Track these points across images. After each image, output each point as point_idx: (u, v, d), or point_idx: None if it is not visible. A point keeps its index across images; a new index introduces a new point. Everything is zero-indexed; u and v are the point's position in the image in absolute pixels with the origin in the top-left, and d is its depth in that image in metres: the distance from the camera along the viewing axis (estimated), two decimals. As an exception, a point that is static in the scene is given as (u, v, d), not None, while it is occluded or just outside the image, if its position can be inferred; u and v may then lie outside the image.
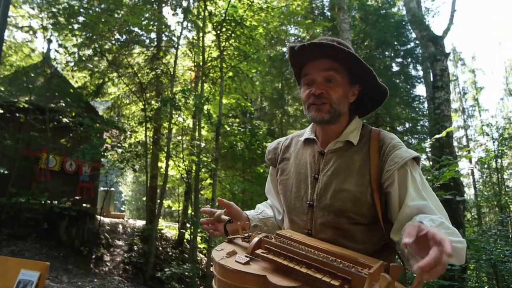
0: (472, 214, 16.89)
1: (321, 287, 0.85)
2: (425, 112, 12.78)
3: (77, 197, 9.62)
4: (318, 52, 1.23)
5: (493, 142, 16.68)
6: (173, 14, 10.35)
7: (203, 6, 10.05)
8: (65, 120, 9.12)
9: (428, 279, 0.77)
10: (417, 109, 13.12)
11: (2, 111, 8.49)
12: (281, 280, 0.87)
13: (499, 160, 16.64)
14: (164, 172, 10.20)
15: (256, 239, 1.01)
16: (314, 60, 1.26)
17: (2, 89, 9.41)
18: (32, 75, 9.72)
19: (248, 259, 0.96)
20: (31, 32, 10.03)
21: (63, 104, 9.53)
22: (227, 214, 1.33)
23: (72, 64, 10.70)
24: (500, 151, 15.48)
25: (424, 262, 0.73)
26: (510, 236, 8.09)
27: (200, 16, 10.55)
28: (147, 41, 11.45)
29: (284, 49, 14.48)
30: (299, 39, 14.43)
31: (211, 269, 1.03)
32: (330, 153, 1.28)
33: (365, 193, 1.17)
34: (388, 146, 1.21)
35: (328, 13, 14.53)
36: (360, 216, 1.17)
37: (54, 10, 9.05)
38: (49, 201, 8.79)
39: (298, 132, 1.49)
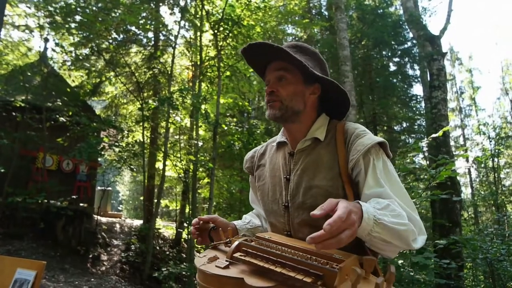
0: (469, 213, 16.97)
1: (295, 285, 0.86)
2: (422, 112, 12.82)
3: (74, 197, 9.59)
4: (277, 52, 1.26)
5: (490, 141, 16.77)
6: (171, 13, 10.33)
7: (200, 5, 10.04)
8: (62, 119, 9.09)
9: (322, 248, 0.85)
10: (414, 109, 13.17)
11: (-2, 110, 8.47)
12: (258, 281, 0.89)
13: (495, 159, 16.72)
14: (161, 171, 10.19)
15: (235, 243, 1.03)
16: (271, 63, 1.32)
17: (-1, 88, 9.39)
18: (29, 74, 9.67)
19: (227, 263, 0.98)
20: (27, 31, 9.99)
21: (60, 103, 9.49)
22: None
23: (69, 63, 10.67)
24: (496, 150, 15.57)
25: (315, 234, 0.83)
26: (507, 235, 8.12)
27: (198, 15, 10.54)
28: (145, 40, 11.43)
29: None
30: (297, 38, 14.44)
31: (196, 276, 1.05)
32: (299, 152, 1.30)
33: (336, 187, 1.18)
34: (351, 136, 1.22)
35: (326, 13, 14.56)
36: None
37: (51, 9, 9.01)
38: (46, 201, 8.76)
39: (273, 138, 1.52)
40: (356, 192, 1.19)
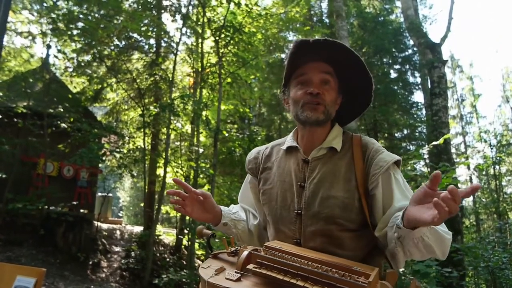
0: (471, 220, 16.88)
1: None
2: (423, 119, 12.84)
3: (74, 203, 9.57)
4: (322, 53, 1.25)
5: (491, 148, 16.74)
6: (172, 20, 10.40)
7: (202, 13, 10.10)
8: (63, 125, 9.10)
9: (443, 207, 0.79)
10: (415, 116, 13.19)
11: (0, 116, 8.47)
12: None
13: (497, 167, 16.67)
14: (162, 177, 10.18)
15: (245, 253, 0.99)
16: (311, 62, 1.28)
17: (1, 94, 9.41)
18: (31, 80, 9.70)
19: (239, 275, 0.93)
20: (30, 38, 10.05)
21: (62, 110, 9.51)
22: (201, 204, 1.31)
23: (71, 69, 10.72)
24: (498, 158, 15.53)
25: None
26: (508, 243, 8.08)
27: (199, 23, 10.60)
28: (146, 47, 11.47)
29: (283, 56, 14.55)
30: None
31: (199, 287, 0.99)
32: (314, 160, 1.29)
33: (353, 199, 1.19)
34: (371, 151, 1.23)
35: (327, 20, 14.64)
36: (349, 222, 1.19)
37: (53, 15, 9.08)
38: (46, 207, 8.74)
39: (277, 140, 1.49)
40: (370, 204, 1.20)
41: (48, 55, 10.65)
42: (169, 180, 11.30)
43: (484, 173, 18.63)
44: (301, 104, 1.26)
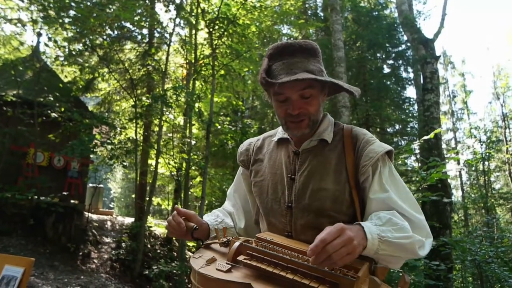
0: (459, 215, 17.13)
1: None
2: (414, 114, 12.93)
3: (65, 193, 9.50)
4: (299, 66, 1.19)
5: (481, 145, 16.96)
6: (166, 11, 10.27)
7: (196, 3, 10.01)
8: (53, 115, 8.98)
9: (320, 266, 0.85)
10: (407, 111, 13.28)
11: (-11, 105, 8.35)
12: (266, 287, 0.85)
13: (486, 163, 16.90)
14: (154, 169, 10.15)
15: (236, 244, 0.98)
16: (287, 81, 1.19)
17: (-10, 82, 9.26)
18: (21, 68, 9.54)
19: (229, 266, 0.92)
20: (20, 25, 9.87)
21: (52, 99, 9.39)
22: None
23: (62, 58, 10.54)
24: (487, 154, 15.74)
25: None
26: (495, 237, 8.22)
27: (193, 13, 10.50)
28: (139, 37, 11.34)
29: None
30: (292, 38, 14.45)
31: (190, 277, 0.99)
32: (305, 152, 1.27)
33: (343, 191, 1.18)
34: (362, 142, 1.22)
35: (321, 14, 14.61)
36: (340, 214, 1.18)
37: (44, 3, 8.91)
38: (36, 197, 8.66)
39: (269, 132, 1.47)
40: (362, 197, 1.19)
41: (38, 43, 10.48)
42: (160, 171, 11.28)
43: (473, 168, 18.89)
44: (284, 121, 1.24)
